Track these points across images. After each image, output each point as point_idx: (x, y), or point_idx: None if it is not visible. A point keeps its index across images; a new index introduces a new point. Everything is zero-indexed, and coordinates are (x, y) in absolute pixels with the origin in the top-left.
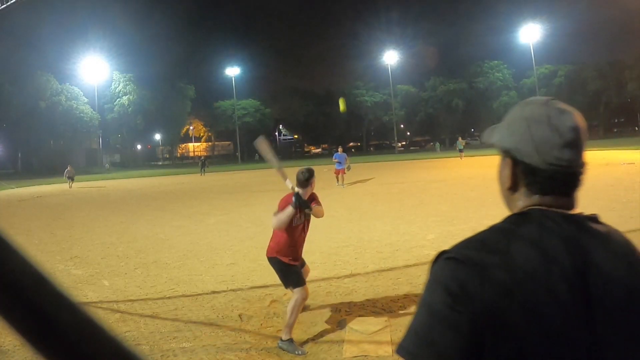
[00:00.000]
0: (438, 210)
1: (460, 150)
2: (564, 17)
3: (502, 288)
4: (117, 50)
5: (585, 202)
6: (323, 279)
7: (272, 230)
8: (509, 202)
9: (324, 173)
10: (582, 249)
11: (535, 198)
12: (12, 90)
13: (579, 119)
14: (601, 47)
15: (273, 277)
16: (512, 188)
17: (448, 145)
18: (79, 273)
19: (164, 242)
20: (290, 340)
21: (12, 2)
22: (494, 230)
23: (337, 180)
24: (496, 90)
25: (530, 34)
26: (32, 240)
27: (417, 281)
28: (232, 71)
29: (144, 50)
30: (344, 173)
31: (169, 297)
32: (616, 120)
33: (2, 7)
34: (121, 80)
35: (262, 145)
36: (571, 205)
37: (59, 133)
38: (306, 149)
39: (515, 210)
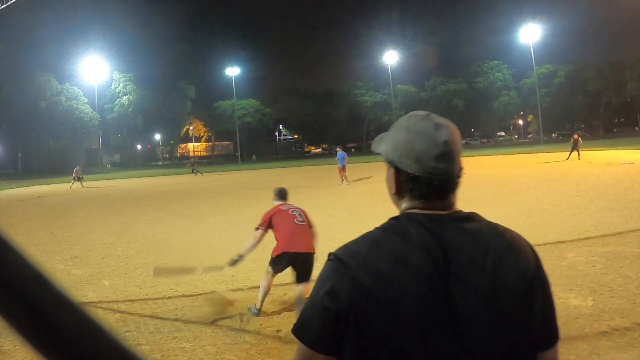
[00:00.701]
0: None
1: None
2: (564, 17)
3: (366, 291)
4: (117, 50)
5: (586, 201)
6: None
7: (273, 230)
8: (395, 205)
9: (324, 173)
10: (446, 244)
11: (416, 202)
12: (12, 90)
13: (453, 132)
14: (601, 47)
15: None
16: (397, 194)
17: None
18: (79, 273)
19: (164, 242)
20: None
21: (12, 2)
22: (369, 235)
23: (342, 180)
24: (496, 90)
25: (530, 34)
26: (32, 240)
27: None
28: (232, 71)
29: (144, 50)
30: (344, 171)
31: (169, 297)
32: (616, 120)
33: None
34: (121, 80)
35: (163, 272)
36: (447, 206)
37: (59, 133)
38: (306, 149)
39: (400, 211)
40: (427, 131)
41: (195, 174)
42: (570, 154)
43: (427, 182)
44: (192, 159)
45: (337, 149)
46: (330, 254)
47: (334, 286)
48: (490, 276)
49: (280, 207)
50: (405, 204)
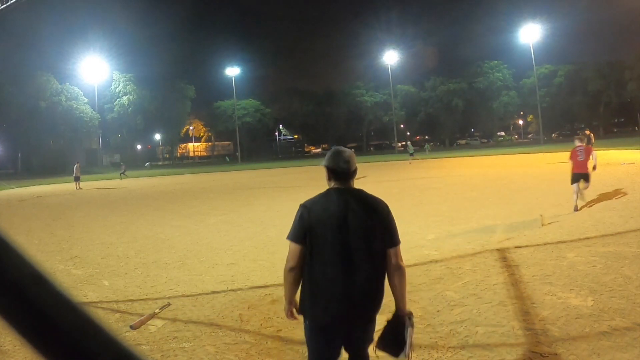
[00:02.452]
0: (438, 210)
1: (411, 154)
2: (564, 17)
3: (315, 216)
4: (117, 50)
5: (586, 202)
6: None
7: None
8: (328, 184)
9: (324, 172)
10: (346, 200)
11: (334, 182)
12: (12, 90)
13: (348, 153)
14: (601, 47)
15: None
16: (328, 180)
17: (447, 145)
18: (79, 273)
19: (164, 242)
20: None
21: (12, 2)
22: (319, 195)
23: None
24: (496, 90)
25: (530, 34)
26: (32, 240)
27: (416, 281)
28: (232, 71)
29: (144, 50)
30: None
31: (169, 297)
32: (616, 120)
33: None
34: (121, 80)
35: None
36: (348, 185)
37: (59, 133)
38: (306, 149)
39: (329, 187)
40: (337, 152)
41: (122, 178)
42: None
43: (337, 174)
44: (123, 165)
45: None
46: (300, 204)
47: (303, 213)
48: (364, 212)
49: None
50: (331, 184)
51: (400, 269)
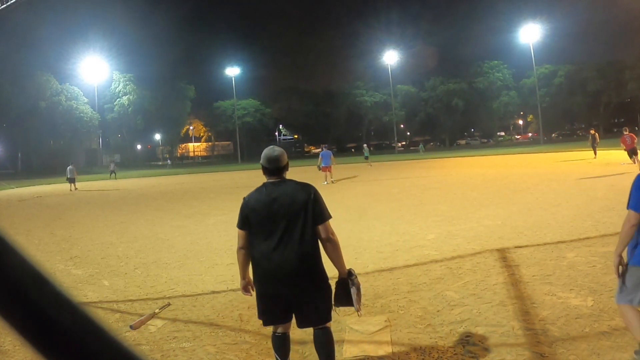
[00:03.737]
0: (438, 210)
1: (366, 158)
2: (564, 17)
3: (251, 206)
4: (117, 50)
5: (586, 201)
6: None
7: None
8: (264, 177)
9: (324, 172)
10: (274, 190)
11: (267, 177)
12: (12, 90)
13: (277, 151)
14: (601, 47)
15: None
16: (263, 173)
17: (448, 145)
18: (79, 273)
19: (164, 242)
20: None
21: (12, 2)
22: (256, 188)
23: (325, 179)
24: (496, 90)
25: (530, 34)
26: (32, 240)
27: (417, 281)
28: (232, 71)
29: (144, 50)
30: (330, 170)
31: (169, 297)
32: (616, 120)
33: (2, 7)
34: (121, 80)
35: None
36: (279, 178)
37: (59, 133)
38: (306, 149)
39: (266, 181)
40: (268, 151)
41: (110, 177)
42: (595, 152)
43: (269, 170)
44: (113, 165)
45: (323, 147)
46: (243, 198)
47: (242, 205)
48: (289, 198)
49: None
50: (265, 178)
51: (331, 241)
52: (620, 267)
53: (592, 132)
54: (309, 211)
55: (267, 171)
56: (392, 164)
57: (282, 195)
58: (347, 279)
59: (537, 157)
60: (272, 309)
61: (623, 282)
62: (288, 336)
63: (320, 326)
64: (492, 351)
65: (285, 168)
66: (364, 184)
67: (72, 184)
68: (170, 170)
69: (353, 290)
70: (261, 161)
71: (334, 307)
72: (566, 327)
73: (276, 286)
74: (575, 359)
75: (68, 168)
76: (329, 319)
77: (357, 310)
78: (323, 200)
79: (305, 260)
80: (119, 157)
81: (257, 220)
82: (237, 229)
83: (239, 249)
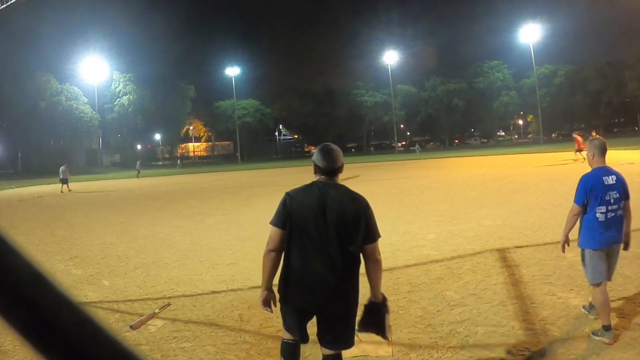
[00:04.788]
0: (438, 210)
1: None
2: (564, 17)
3: (296, 204)
4: (117, 50)
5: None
6: None
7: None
8: (315, 177)
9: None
10: (326, 193)
11: (319, 176)
12: (12, 90)
13: (335, 150)
14: (601, 47)
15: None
16: (315, 173)
17: (447, 145)
18: (79, 273)
19: (164, 242)
20: None
21: (12, 2)
22: (304, 185)
23: None
24: (496, 90)
25: (530, 34)
26: (32, 240)
27: (417, 281)
28: (232, 71)
29: (144, 50)
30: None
31: (169, 297)
32: (616, 120)
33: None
34: (121, 80)
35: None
36: (331, 179)
37: (59, 133)
38: (306, 149)
39: (315, 179)
40: (322, 148)
41: (138, 176)
42: (579, 154)
43: (322, 169)
44: (138, 162)
45: None
46: (285, 192)
47: (285, 200)
48: (342, 207)
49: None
50: (316, 176)
51: (377, 262)
52: (566, 246)
53: (594, 133)
54: (360, 226)
55: (320, 171)
56: (392, 164)
57: (334, 201)
58: (381, 304)
59: (537, 157)
60: (300, 324)
61: (585, 265)
62: (299, 344)
63: (338, 351)
64: (492, 351)
65: (340, 169)
66: (365, 183)
67: (65, 185)
68: (177, 170)
69: (385, 316)
70: (314, 158)
71: (357, 332)
72: (566, 327)
73: (309, 300)
74: (575, 359)
75: (60, 169)
76: (351, 344)
77: (388, 339)
78: (374, 218)
79: (346, 277)
80: (119, 157)
81: (300, 222)
82: (270, 227)
83: (270, 251)
